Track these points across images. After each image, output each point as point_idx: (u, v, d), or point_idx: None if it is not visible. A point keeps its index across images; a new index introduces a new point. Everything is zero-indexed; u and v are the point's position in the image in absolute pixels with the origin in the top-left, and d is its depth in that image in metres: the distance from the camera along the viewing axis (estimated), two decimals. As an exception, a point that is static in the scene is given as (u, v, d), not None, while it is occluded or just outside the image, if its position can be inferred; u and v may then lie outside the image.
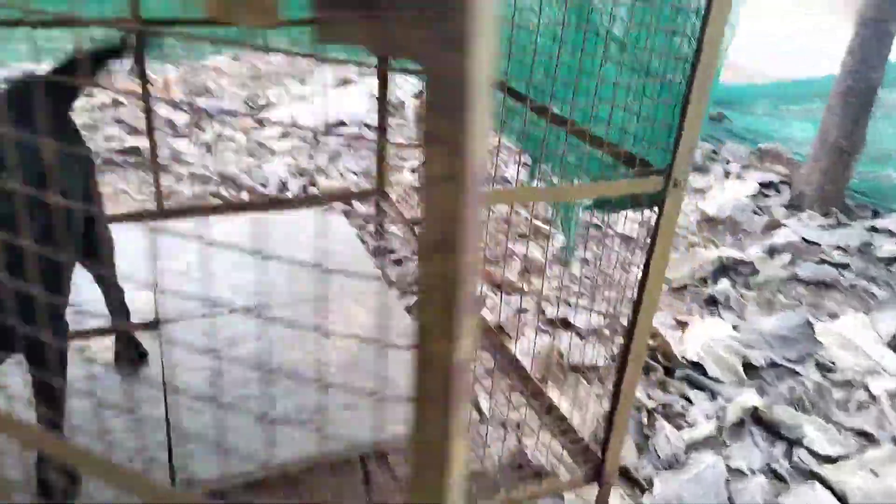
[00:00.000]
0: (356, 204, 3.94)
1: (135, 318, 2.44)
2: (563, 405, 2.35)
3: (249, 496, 1.92)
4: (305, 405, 2.17)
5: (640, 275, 1.69)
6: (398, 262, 3.42)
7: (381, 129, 3.49)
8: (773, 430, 2.53)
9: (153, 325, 2.44)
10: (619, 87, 1.83)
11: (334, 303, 2.75)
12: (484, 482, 2.03)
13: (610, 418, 1.82)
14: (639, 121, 1.80)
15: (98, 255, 2.19)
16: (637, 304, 1.68)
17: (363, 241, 3.43)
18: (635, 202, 1.88)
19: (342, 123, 5.31)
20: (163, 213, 3.26)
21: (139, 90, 3.09)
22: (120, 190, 3.93)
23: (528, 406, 2.25)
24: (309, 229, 3.35)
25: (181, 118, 4.99)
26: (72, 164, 1.99)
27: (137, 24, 2.92)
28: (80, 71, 2.19)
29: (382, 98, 3.38)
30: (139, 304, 2.52)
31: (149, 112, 3.15)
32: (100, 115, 4.96)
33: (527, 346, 2.62)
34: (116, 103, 5.25)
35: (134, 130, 4.79)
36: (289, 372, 2.26)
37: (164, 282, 2.68)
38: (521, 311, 3.04)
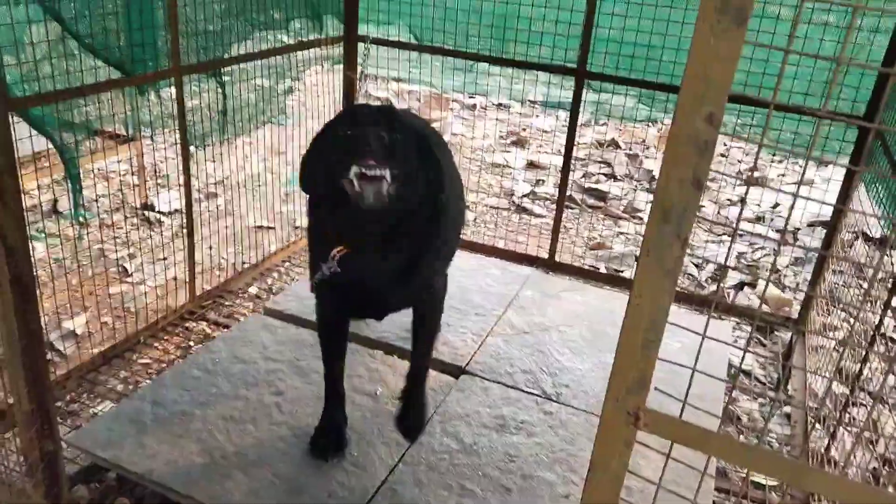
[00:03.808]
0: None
1: (469, 345, 2.53)
2: None
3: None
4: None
5: None
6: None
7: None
8: None
9: (456, 370, 2.45)
10: None
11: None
12: None
13: None
14: None
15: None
16: None
17: (746, 375, 2.77)
18: None
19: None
20: (552, 265, 3.23)
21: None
22: (565, 227, 4.02)
23: None
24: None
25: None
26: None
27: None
28: None
29: None
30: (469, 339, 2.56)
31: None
32: (596, 151, 5.17)
33: None
34: (615, 145, 5.39)
35: (612, 177, 4.85)
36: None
37: (507, 329, 2.65)
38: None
